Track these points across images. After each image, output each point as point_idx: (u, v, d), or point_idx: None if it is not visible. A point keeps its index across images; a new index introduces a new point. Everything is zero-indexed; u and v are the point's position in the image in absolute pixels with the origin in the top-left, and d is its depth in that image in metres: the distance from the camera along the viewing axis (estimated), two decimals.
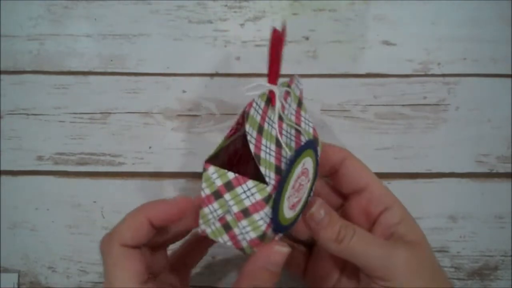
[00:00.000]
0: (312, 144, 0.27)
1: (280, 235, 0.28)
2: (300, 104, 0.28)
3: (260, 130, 0.25)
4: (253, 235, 0.26)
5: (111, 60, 0.39)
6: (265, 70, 0.39)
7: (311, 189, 0.29)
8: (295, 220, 0.28)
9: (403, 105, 0.39)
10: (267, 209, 0.25)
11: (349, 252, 0.28)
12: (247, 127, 0.25)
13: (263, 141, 0.25)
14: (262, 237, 0.26)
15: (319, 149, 0.29)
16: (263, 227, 0.25)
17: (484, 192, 0.38)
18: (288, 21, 0.39)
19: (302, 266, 0.34)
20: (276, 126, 0.26)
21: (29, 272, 0.38)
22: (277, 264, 0.26)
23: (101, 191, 0.38)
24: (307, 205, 0.28)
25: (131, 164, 0.38)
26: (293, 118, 0.28)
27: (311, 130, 0.29)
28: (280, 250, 0.26)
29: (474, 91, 0.39)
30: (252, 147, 0.25)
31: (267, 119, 0.26)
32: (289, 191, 0.26)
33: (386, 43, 0.39)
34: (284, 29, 0.26)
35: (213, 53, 0.39)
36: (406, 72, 0.39)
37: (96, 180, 0.38)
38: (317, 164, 0.29)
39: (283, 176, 0.25)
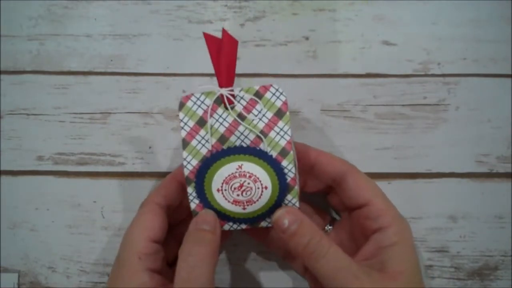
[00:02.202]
0: (256, 152, 0.29)
1: (235, 226, 0.31)
2: (280, 114, 0.29)
3: (201, 122, 0.30)
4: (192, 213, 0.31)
5: (111, 60, 0.39)
6: (265, 70, 0.39)
7: (279, 198, 0.30)
8: (253, 219, 0.30)
9: (403, 105, 0.39)
10: (189, 190, 0.30)
11: (316, 270, 0.28)
12: (181, 115, 0.30)
13: (201, 132, 0.30)
14: (195, 216, 0.30)
15: (285, 163, 0.29)
16: (193, 206, 0.30)
17: (484, 192, 0.38)
18: (288, 21, 0.39)
19: (304, 264, 0.34)
20: (226, 124, 0.30)
21: (29, 272, 0.38)
22: (205, 222, 0.29)
23: (101, 191, 0.38)
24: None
25: (131, 164, 0.38)
26: (261, 125, 0.29)
27: (282, 142, 0.29)
28: (203, 212, 0.30)
29: (474, 91, 0.39)
30: (183, 133, 0.30)
31: (216, 116, 0.30)
32: (217, 184, 0.29)
33: (386, 43, 0.39)
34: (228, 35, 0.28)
35: None
36: (406, 72, 0.39)
37: (96, 180, 0.38)
38: (282, 178, 0.29)
39: (201, 165, 0.29)
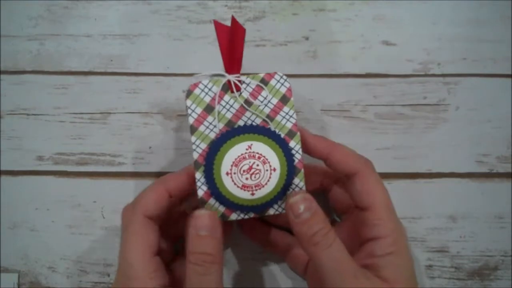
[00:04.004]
0: (266, 131, 0.30)
1: (242, 215, 0.30)
2: (285, 100, 0.31)
3: (208, 109, 0.30)
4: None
5: (111, 60, 0.39)
6: (265, 70, 0.39)
7: (287, 181, 0.30)
8: (261, 206, 0.30)
9: (403, 105, 0.39)
10: (198, 175, 0.30)
11: (317, 259, 0.28)
12: (189, 102, 0.30)
13: (209, 118, 0.30)
14: (202, 204, 0.30)
15: (293, 143, 0.30)
16: (200, 193, 0.30)
17: (484, 192, 0.38)
18: (288, 21, 0.39)
19: (304, 265, 0.35)
20: (234, 110, 0.30)
21: (29, 272, 0.38)
22: (203, 227, 0.28)
23: (101, 191, 0.38)
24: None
25: (131, 164, 0.38)
26: (267, 110, 0.30)
27: (289, 125, 0.30)
28: (198, 213, 0.28)
29: (474, 91, 0.39)
30: (191, 119, 0.30)
31: (223, 102, 0.30)
32: (226, 166, 0.29)
33: (386, 43, 0.39)
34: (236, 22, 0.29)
35: (213, 53, 0.39)
36: (406, 72, 0.39)
37: (96, 180, 0.38)
38: (289, 159, 0.30)
39: (211, 146, 0.30)
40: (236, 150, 0.29)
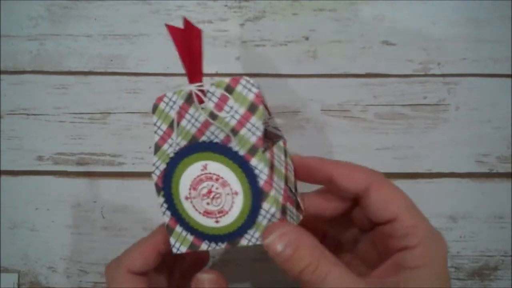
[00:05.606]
0: (218, 148, 0.26)
1: (214, 244, 0.27)
2: (253, 109, 0.25)
3: (173, 124, 0.27)
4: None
5: (111, 60, 0.39)
6: (265, 70, 0.39)
7: (253, 207, 0.26)
8: (230, 235, 0.26)
9: (403, 105, 0.39)
10: (160, 199, 0.27)
11: None
12: (154, 118, 0.27)
13: (173, 135, 0.27)
14: (170, 232, 0.27)
15: (255, 161, 0.25)
16: (166, 219, 0.27)
17: (484, 192, 0.38)
18: (288, 21, 0.39)
19: None
20: (198, 125, 0.26)
21: (29, 272, 0.38)
22: None
23: (101, 191, 0.38)
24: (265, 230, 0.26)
25: (131, 164, 0.38)
26: (233, 122, 0.26)
27: (253, 139, 0.25)
28: (200, 277, 0.26)
29: (474, 91, 0.39)
30: (156, 137, 0.27)
31: (188, 116, 0.27)
32: (185, 190, 0.26)
33: (386, 43, 0.39)
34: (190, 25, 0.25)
35: (213, 53, 0.39)
36: (406, 72, 0.39)
37: (96, 180, 0.38)
38: (252, 180, 0.25)
39: (166, 167, 0.27)
40: (192, 171, 0.26)
